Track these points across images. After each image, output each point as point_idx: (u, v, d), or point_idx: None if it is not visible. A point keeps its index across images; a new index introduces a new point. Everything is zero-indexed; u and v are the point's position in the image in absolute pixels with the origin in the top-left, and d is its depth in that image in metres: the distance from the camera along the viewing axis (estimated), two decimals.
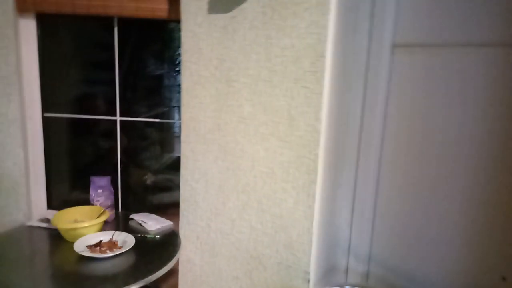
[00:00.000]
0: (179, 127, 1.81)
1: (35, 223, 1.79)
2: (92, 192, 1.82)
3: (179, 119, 2.51)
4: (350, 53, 1.52)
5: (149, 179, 2.27)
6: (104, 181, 1.82)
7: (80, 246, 1.55)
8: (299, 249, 1.48)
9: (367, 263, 1.63)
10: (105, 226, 1.74)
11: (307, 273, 1.47)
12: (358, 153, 1.60)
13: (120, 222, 1.84)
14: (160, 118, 2.19)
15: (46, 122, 1.93)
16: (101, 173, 1.94)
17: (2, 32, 1.69)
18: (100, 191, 1.81)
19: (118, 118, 1.93)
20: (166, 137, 2.43)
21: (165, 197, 2.18)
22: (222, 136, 1.58)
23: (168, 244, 1.66)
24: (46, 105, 1.91)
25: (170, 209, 2.11)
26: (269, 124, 1.48)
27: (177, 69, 2.39)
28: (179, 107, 2.49)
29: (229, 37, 1.50)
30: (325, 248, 1.58)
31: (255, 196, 1.55)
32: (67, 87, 2.05)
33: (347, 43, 1.48)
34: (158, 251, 1.59)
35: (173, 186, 2.24)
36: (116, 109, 1.92)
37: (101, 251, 1.54)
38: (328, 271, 1.64)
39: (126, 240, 1.61)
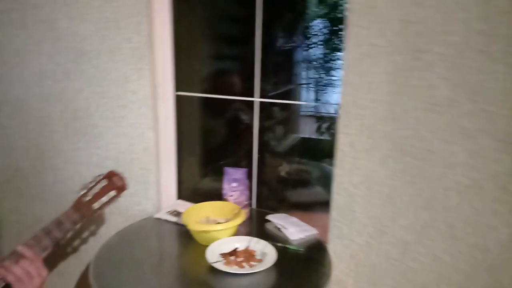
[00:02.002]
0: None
1: (163, 215, 1.62)
2: (225, 185, 1.57)
3: (315, 99, 2.16)
4: None
5: (284, 170, 1.96)
6: (240, 173, 1.55)
7: (213, 255, 1.29)
8: None
9: None
10: (238, 227, 1.48)
11: None
12: None
13: (256, 224, 1.56)
14: (286, 98, 1.86)
15: (177, 102, 1.74)
16: (233, 161, 1.70)
17: None
18: (234, 184, 1.55)
19: (257, 99, 1.63)
20: (292, 118, 2.09)
21: (304, 194, 1.85)
22: (398, 128, 1.16)
23: (315, 261, 1.32)
24: (178, 83, 1.71)
25: (310, 210, 1.77)
26: (479, 115, 1.01)
27: (308, 42, 2.02)
28: (307, 85, 2.13)
29: None
30: None
31: (443, 216, 1.11)
32: (200, 63, 1.83)
33: None
34: (304, 270, 1.26)
35: (311, 180, 1.89)
36: (254, 89, 1.62)
37: (237, 263, 1.27)
38: None
39: (265, 252, 1.32)
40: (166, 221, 1.59)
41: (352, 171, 1.27)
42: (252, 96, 1.62)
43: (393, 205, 1.21)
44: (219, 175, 1.78)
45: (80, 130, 1.55)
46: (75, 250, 1.62)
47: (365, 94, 1.19)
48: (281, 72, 1.97)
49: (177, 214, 1.63)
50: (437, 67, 1.05)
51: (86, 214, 1.20)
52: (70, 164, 1.57)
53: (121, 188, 1.29)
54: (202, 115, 1.87)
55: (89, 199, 1.22)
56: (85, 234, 1.62)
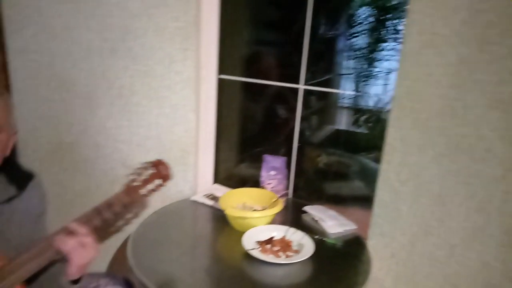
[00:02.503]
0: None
1: (200, 198, 1.61)
2: (263, 173, 1.54)
3: (355, 90, 2.08)
4: None
5: (322, 161, 1.91)
6: (279, 161, 1.52)
7: (250, 242, 1.28)
8: None
9: None
10: (275, 216, 1.45)
11: None
12: None
13: (292, 214, 1.53)
14: (325, 87, 1.79)
15: (219, 85, 1.71)
16: (271, 149, 1.66)
17: None
18: (273, 173, 1.52)
19: (301, 86, 1.58)
20: (330, 108, 2.03)
21: (342, 187, 1.80)
22: (456, 125, 1.09)
23: (353, 256, 1.28)
24: (221, 66, 1.68)
25: (348, 204, 1.72)
26: None
27: (353, 31, 1.94)
28: (349, 75, 2.05)
29: None
30: None
31: (499, 221, 1.04)
32: (244, 47, 1.79)
33: None
34: (341, 265, 1.23)
35: (350, 174, 1.84)
36: (300, 76, 1.57)
37: (273, 252, 1.25)
38: None
39: (302, 243, 1.29)
40: (203, 204, 1.59)
41: (401, 167, 1.22)
42: (297, 83, 1.58)
43: (442, 206, 1.14)
44: (256, 161, 1.75)
45: (124, 108, 1.55)
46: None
47: (422, 87, 1.12)
48: (324, 60, 1.91)
49: (214, 198, 1.62)
50: (508, 61, 0.98)
51: (135, 198, 1.21)
52: (112, 141, 1.58)
53: (166, 177, 1.29)
54: (242, 100, 1.84)
55: (138, 185, 1.23)
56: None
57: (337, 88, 1.98)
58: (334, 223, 1.42)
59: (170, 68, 1.53)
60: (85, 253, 1.04)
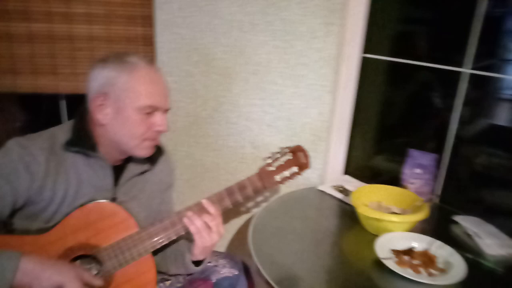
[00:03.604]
0: None
1: (328, 189, 1.48)
2: (406, 170, 1.33)
3: None
4: None
5: (481, 163, 1.59)
6: (428, 158, 1.29)
7: (384, 249, 1.10)
8: None
9: None
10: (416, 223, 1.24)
11: None
12: None
13: (438, 224, 1.30)
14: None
15: (362, 65, 1.54)
16: (417, 142, 1.43)
17: None
18: (418, 171, 1.30)
19: (466, 70, 1.30)
20: (492, 99, 1.65)
21: (506, 198, 1.46)
22: None
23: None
24: (366, 44, 1.50)
25: None
26: None
27: None
28: None
29: None
30: None
31: None
32: (396, 22, 1.57)
33: None
34: None
35: None
36: (465, 58, 1.29)
37: (412, 266, 1.05)
38: None
39: (450, 262, 1.06)
40: (330, 195, 1.46)
41: None
42: (460, 66, 1.30)
43: None
44: (396, 155, 1.54)
45: (258, 85, 1.50)
46: (240, 205, 1.64)
47: None
48: (490, 42, 1.57)
49: (343, 190, 1.48)
50: None
51: (267, 184, 1.15)
52: (243, 119, 1.55)
53: (303, 166, 1.21)
54: (386, 83, 1.63)
55: (272, 170, 1.16)
56: None
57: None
58: (494, 242, 1.15)
59: (310, 44, 1.41)
60: (209, 237, 1.03)
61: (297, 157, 1.19)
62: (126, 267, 1.00)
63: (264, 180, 1.15)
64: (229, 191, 1.10)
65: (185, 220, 1.03)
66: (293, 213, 1.36)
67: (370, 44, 1.49)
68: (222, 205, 1.09)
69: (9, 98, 1.82)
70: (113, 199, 1.05)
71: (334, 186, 1.51)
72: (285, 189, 1.56)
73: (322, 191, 1.49)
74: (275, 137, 1.54)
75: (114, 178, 1.06)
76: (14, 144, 0.94)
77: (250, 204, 1.63)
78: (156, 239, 1.02)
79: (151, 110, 0.99)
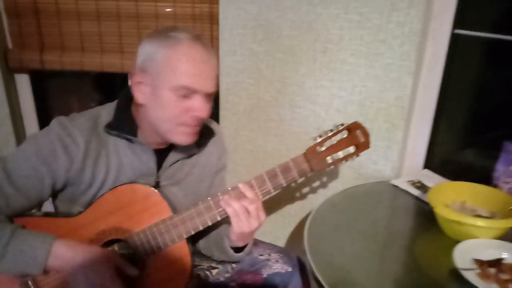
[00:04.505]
0: None
1: (403, 184, 1.32)
2: (500, 166, 1.14)
3: None
4: None
5: None
6: None
7: (464, 258, 0.94)
8: None
9: None
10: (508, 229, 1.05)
11: None
12: None
13: None
14: None
15: (452, 42, 1.34)
16: None
17: None
18: None
19: None
20: None
21: None
22: None
23: None
24: (457, 18, 1.30)
25: None
26: None
27: None
28: None
29: None
30: None
31: None
32: None
33: None
34: None
35: None
36: None
37: (498, 281, 0.88)
38: None
39: None
40: (405, 191, 1.30)
41: None
42: None
43: None
44: (489, 149, 1.34)
45: (328, 65, 1.38)
46: (302, 196, 1.55)
47: None
48: None
49: (421, 186, 1.31)
50: None
51: (315, 166, 1.04)
52: (309, 103, 1.44)
53: (362, 146, 1.07)
54: (482, 65, 1.40)
55: (323, 150, 1.05)
56: (316, 183, 1.51)
57: None
58: None
59: (390, 17, 1.25)
60: (247, 221, 0.95)
61: (354, 136, 1.05)
62: (159, 253, 0.97)
63: (312, 161, 1.03)
64: (271, 174, 1.01)
65: (222, 203, 0.96)
66: (359, 209, 1.23)
67: (462, 18, 1.29)
68: (263, 189, 1.00)
69: (83, 78, 1.91)
70: (156, 184, 1.02)
71: (411, 181, 1.35)
72: (353, 181, 1.43)
73: (395, 186, 1.33)
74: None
75: (158, 162, 1.02)
76: (55, 124, 0.93)
77: (312, 195, 1.53)
78: (189, 224, 0.97)
79: (187, 92, 0.91)
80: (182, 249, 0.98)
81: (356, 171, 1.44)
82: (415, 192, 1.28)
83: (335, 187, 1.48)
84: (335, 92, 1.40)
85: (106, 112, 0.99)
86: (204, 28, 1.54)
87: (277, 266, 1.12)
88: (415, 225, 1.19)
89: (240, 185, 0.98)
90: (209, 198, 0.98)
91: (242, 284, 1.12)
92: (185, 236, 0.97)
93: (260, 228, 0.99)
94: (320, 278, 0.90)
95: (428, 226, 1.12)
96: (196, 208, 0.97)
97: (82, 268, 0.85)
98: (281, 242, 1.67)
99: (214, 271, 1.16)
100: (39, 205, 0.96)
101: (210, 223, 0.99)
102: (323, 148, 1.04)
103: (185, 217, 0.97)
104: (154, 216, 0.96)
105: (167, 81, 0.90)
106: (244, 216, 0.95)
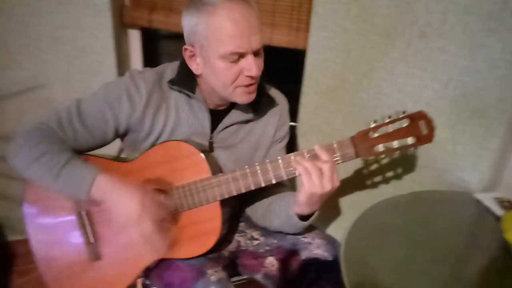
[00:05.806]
0: None
1: (488, 200, 1.15)
2: None
3: None
4: None
5: None
6: None
7: None
8: None
9: None
10: None
11: None
12: None
13: None
14: None
15: None
16: None
17: None
18: None
19: None
20: None
21: None
22: None
23: None
24: None
25: None
26: None
27: None
28: None
29: None
30: None
31: None
32: None
33: None
34: None
35: None
36: None
37: None
38: None
39: None
40: (488, 210, 1.13)
41: None
42: None
43: None
44: None
45: (422, 52, 1.24)
46: (372, 185, 1.45)
47: None
48: None
49: (510, 206, 1.12)
50: None
51: (363, 152, 0.97)
52: (396, 91, 1.32)
53: (424, 139, 0.96)
54: None
55: (375, 137, 0.97)
56: (388, 175, 1.41)
57: None
58: None
59: (506, 4, 1.07)
60: (319, 181, 0.91)
61: (416, 126, 0.96)
62: (193, 210, 1.03)
63: (359, 147, 0.96)
64: (311, 153, 0.97)
65: (293, 165, 0.96)
66: (422, 215, 1.12)
67: None
68: (344, 154, 0.99)
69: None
70: (210, 144, 1.07)
71: (499, 198, 1.17)
72: (431, 184, 1.30)
73: (478, 201, 1.17)
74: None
75: (214, 123, 1.07)
76: (127, 74, 1.05)
77: (377, 189, 1.42)
78: (224, 187, 1.00)
79: (235, 57, 0.94)
80: (214, 211, 1.03)
81: (438, 175, 1.30)
82: (499, 211, 1.11)
83: (409, 186, 1.36)
84: (427, 83, 1.26)
85: (171, 69, 1.08)
86: (295, 3, 1.52)
87: (317, 252, 1.09)
88: (484, 248, 1.03)
89: (316, 147, 0.96)
90: (249, 166, 1.00)
91: (280, 259, 1.13)
92: (218, 199, 1.02)
93: (331, 192, 0.95)
94: (343, 272, 0.86)
95: (502, 253, 0.97)
96: (233, 174, 1.01)
97: (121, 201, 0.94)
98: (332, 233, 1.61)
99: (256, 242, 1.18)
100: (103, 145, 1.09)
101: (244, 191, 1.01)
102: (376, 135, 0.97)
103: (221, 180, 1.01)
104: (194, 175, 1.02)
105: (214, 51, 0.94)
106: (317, 175, 0.92)
